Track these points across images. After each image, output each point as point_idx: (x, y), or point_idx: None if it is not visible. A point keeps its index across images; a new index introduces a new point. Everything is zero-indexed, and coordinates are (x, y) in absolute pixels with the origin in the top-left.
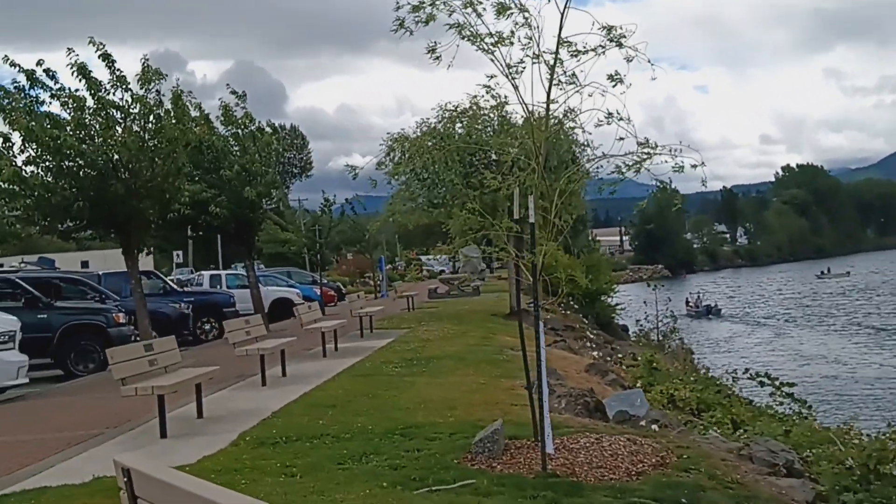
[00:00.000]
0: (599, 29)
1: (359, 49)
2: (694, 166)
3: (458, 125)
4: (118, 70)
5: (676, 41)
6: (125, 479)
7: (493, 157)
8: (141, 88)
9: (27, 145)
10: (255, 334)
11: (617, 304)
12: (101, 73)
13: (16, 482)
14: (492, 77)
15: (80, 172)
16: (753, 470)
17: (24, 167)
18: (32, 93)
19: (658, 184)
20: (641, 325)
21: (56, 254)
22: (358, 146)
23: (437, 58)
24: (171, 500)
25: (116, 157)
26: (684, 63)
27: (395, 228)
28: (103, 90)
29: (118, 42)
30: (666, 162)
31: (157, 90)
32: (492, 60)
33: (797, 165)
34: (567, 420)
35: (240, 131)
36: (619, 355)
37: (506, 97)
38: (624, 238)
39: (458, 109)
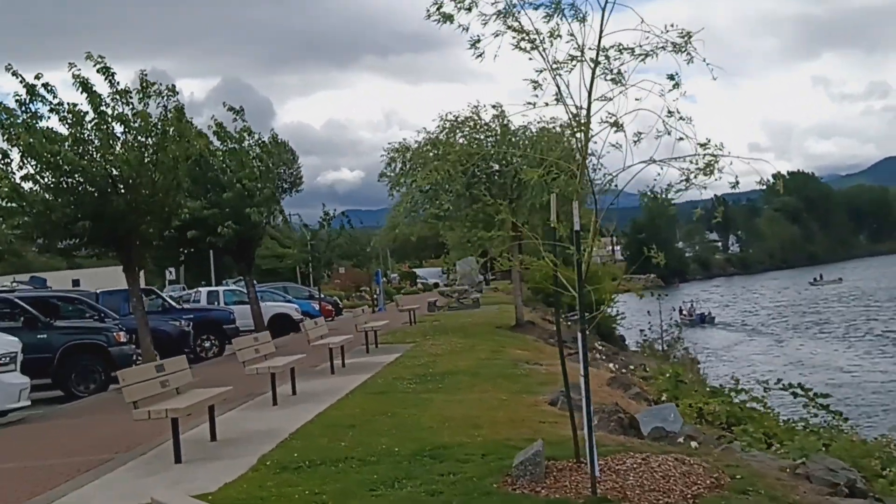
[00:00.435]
0: (662, 30)
1: (346, 64)
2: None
3: (460, 135)
4: (117, 83)
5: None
6: None
7: (496, 167)
8: (140, 102)
9: (26, 161)
10: (264, 352)
11: (617, 314)
12: (98, 88)
13: None
14: (541, 71)
15: (80, 188)
16: (812, 490)
17: (22, 183)
18: (32, 107)
19: (649, 193)
20: (646, 335)
21: (47, 273)
22: (346, 161)
23: (480, 54)
24: None
25: (116, 172)
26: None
27: (389, 241)
28: (104, 104)
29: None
30: (731, 164)
31: (164, 106)
32: (530, 58)
33: (788, 172)
34: (602, 438)
35: (237, 146)
36: (631, 367)
37: (555, 95)
38: (616, 248)
39: (458, 119)
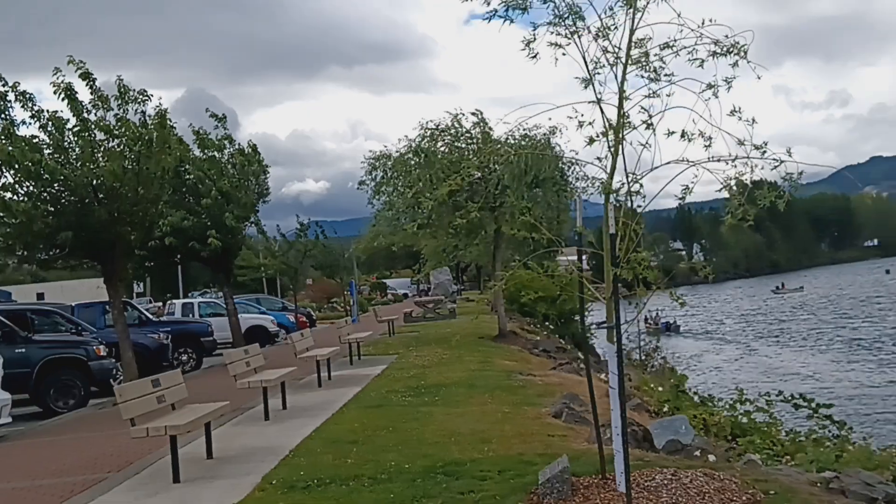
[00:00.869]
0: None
1: (310, 75)
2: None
3: (441, 143)
4: (99, 89)
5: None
6: None
7: (477, 174)
8: (119, 109)
9: (5, 170)
10: (254, 365)
11: (591, 324)
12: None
13: None
14: (595, 66)
15: (62, 198)
16: None
17: (2, 193)
18: (8, 113)
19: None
20: (624, 344)
21: (10, 286)
22: (311, 171)
23: (535, 56)
24: None
25: (98, 181)
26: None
27: (369, 251)
28: (86, 111)
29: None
30: (774, 168)
31: (142, 111)
32: (564, 53)
33: (751, 181)
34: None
35: (217, 154)
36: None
37: (600, 93)
38: (583, 258)
39: (438, 127)
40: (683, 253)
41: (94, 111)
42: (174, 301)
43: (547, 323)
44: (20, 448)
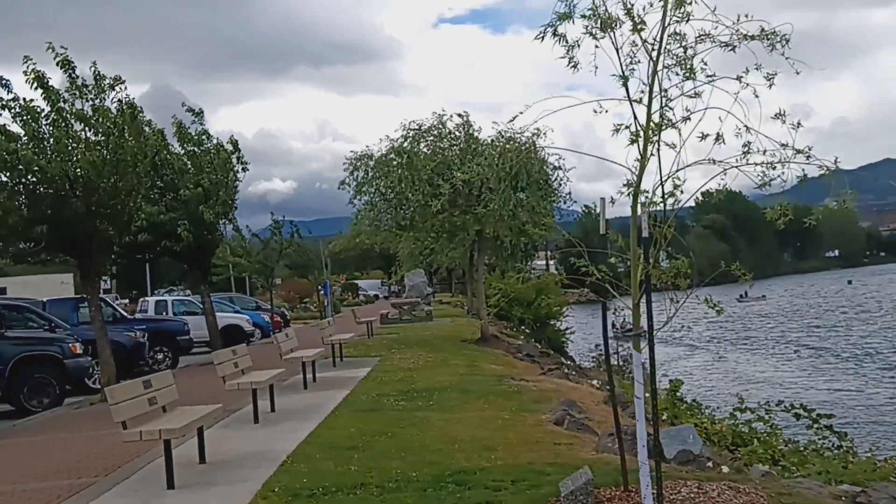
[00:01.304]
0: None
1: (277, 73)
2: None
3: (423, 144)
4: (77, 77)
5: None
6: None
7: (461, 176)
8: (95, 98)
9: None
10: (242, 366)
11: (567, 329)
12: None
13: None
14: (631, 60)
15: (37, 190)
16: None
17: None
18: None
19: (583, 209)
20: (601, 350)
21: None
22: (278, 171)
23: (575, 65)
24: None
25: (75, 171)
26: (601, 91)
27: (350, 250)
28: (62, 100)
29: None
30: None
31: (118, 99)
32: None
33: (715, 190)
34: (633, 462)
35: (196, 149)
36: (595, 382)
37: (641, 92)
38: (550, 262)
39: (421, 128)
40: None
41: (71, 100)
42: (147, 299)
43: (523, 327)
44: None
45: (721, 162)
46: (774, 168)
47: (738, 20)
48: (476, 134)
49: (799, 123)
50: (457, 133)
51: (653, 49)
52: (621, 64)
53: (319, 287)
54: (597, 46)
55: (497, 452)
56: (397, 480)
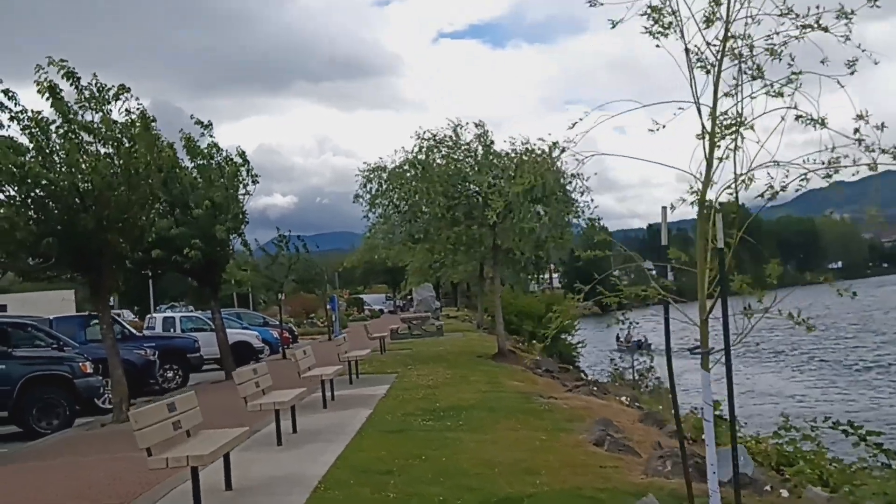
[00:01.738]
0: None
1: (277, 89)
2: None
3: (438, 155)
4: (84, 88)
5: (594, 83)
6: None
7: (476, 188)
8: (101, 108)
9: None
10: (263, 385)
11: (578, 343)
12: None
13: None
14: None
15: (46, 203)
16: None
17: None
18: None
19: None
20: (616, 364)
21: None
22: (279, 186)
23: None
24: None
25: (85, 185)
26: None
27: (350, 264)
28: (72, 112)
29: (29, 83)
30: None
31: (126, 109)
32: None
33: (719, 203)
34: (682, 487)
35: (206, 162)
36: (623, 399)
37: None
38: (554, 275)
39: (436, 138)
40: (654, 273)
41: (80, 112)
42: (154, 315)
43: (534, 341)
44: (7, 474)
45: (787, 164)
46: (839, 162)
47: (806, 13)
48: (492, 146)
49: (883, 125)
50: (473, 144)
51: (720, 50)
52: (689, 62)
53: (327, 302)
54: (657, 45)
55: (541, 476)
56: None
